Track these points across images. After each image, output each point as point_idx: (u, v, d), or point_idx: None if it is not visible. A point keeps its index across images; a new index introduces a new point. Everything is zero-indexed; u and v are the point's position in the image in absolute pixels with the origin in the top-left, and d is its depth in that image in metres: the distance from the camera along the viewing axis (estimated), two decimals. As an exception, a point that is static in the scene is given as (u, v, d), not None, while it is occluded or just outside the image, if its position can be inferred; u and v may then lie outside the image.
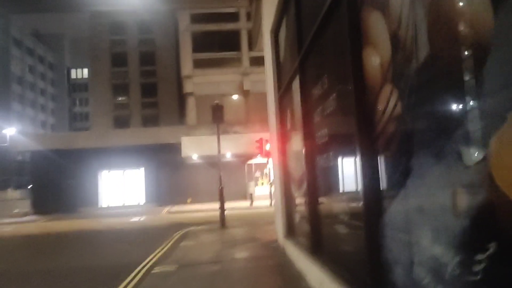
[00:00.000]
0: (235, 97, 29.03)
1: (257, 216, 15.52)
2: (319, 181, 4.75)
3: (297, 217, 6.20)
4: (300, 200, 5.94)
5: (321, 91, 4.24)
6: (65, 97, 79.57)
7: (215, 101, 11.92)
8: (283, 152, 7.09)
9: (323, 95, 4.17)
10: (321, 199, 4.71)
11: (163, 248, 9.14)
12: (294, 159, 6.20)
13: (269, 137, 8.04)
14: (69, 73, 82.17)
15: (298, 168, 5.96)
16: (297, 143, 5.87)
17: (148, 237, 11.51)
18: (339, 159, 3.94)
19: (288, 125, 6.59)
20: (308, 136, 4.89)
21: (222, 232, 10.58)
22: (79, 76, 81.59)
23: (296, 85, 5.63)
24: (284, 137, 7.00)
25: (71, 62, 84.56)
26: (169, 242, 10.14)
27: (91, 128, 40.68)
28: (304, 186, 5.50)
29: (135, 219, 19.23)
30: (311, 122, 4.74)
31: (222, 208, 11.40)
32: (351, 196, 3.57)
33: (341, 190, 4.00)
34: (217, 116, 11.55)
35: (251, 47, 28.20)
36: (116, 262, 7.79)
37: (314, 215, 4.84)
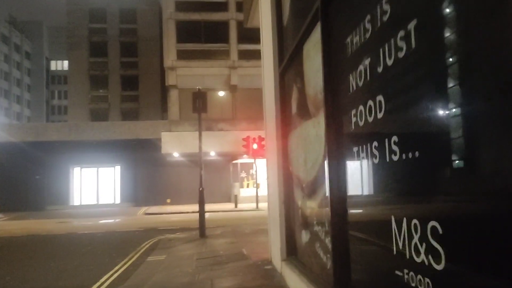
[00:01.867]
0: (221, 93, 27.24)
1: (243, 221, 13.77)
2: (350, 186, 3.04)
3: (304, 236, 4.48)
4: (310, 212, 4.23)
5: (368, 43, 2.55)
6: (42, 88, 76.10)
7: (197, 87, 10.12)
8: (284, 146, 5.36)
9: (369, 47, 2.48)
10: (354, 212, 3.02)
11: (124, 264, 7.30)
12: (302, 156, 4.48)
13: (265, 127, 6.33)
14: (48, 64, 78.72)
15: (307, 168, 4.25)
16: (309, 133, 4.16)
17: (113, 245, 9.62)
18: (393, 153, 2.26)
19: (294, 109, 4.87)
20: (335, 119, 3.19)
21: (201, 243, 8.79)
22: (59, 67, 78.20)
23: (311, 44, 3.91)
24: (286, 127, 5.28)
25: (50, 53, 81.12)
26: (135, 254, 8.29)
27: (68, 121, 38.20)
28: (321, 193, 3.78)
29: (106, 220, 17.22)
30: (343, 95, 3.04)
31: (202, 214, 9.61)
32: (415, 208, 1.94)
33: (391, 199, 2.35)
34: (199, 105, 9.76)
35: (240, 36, 26.47)
36: None
37: (340, 236, 3.14)
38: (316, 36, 3.70)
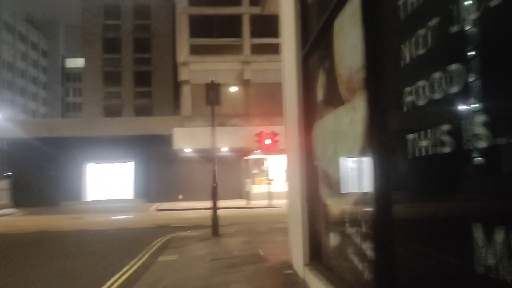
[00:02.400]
0: (234, 88, 26.73)
1: (256, 219, 13.25)
2: (401, 182, 2.47)
3: (333, 238, 3.92)
4: (341, 212, 3.66)
5: None
6: (58, 86, 76.72)
7: (210, 79, 9.60)
8: (308, 139, 4.79)
9: None
10: (406, 215, 2.45)
11: (134, 265, 6.83)
12: (331, 149, 3.91)
13: (285, 119, 5.76)
14: (63, 62, 79.31)
15: (338, 162, 3.68)
16: (341, 122, 3.59)
17: (123, 244, 9.20)
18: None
19: (321, 96, 4.29)
20: (379, 102, 2.61)
21: (215, 242, 8.29)
22: (74, 65, 78.71)
23: (346, 17, 3.33)
24: (310, 117, 4.70)
25: (66, 50, 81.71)
26: (146, 253, 7.83)
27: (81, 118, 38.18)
28: (355, 190, 3.22)
29: (119, 216, 16.89)
30: (392, 71, 2.47)
31: (215, 212, 9.09)
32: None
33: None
34: (212, 97, 9.23)
35: (253, 30, 25.86)
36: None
37: (385, 241, 2.57)
38: (352, 5, 3.11)
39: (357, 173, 3.22)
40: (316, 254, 4.57)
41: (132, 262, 7.04)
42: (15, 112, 61.70)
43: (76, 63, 76.63)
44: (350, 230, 3.35)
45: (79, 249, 8.64)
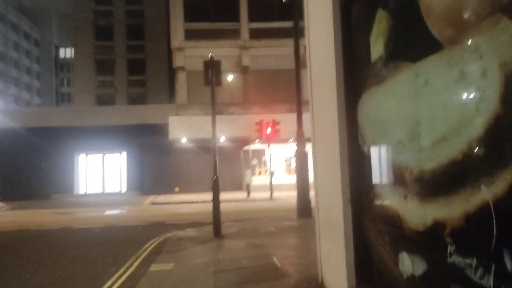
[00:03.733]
0: (231, 76, 25.23)
1: (260, 214, 11.94)
2: None
3: (407, 261, 2.55)
4: (431, 223, 2.29)
5: None
6: (51, 76, 74.47)
7: (210, 55, 8.16)
8: (352, 116, 3.38)
9: None
10: None
11: (121, 276, 5.48)
12: (406, 127, 2.53)
13: (310, 93, 4.35)
14: (57, 52, 76.93)
15: (425, 146, 2.31)
16: (432, 83, 2.21)
17: (110, 246, 7.83)
18: None
19: (378, 52, 2.88)
20: None
21: (217, 246, 6.94)
22: (68, 55, 76.33)
23: None
24: (357, 84, 3.30)
25: (59, 40, 79.21)
26: (136, 260, 6.47)
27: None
28: (469, 189, 1.84)
29: (110, 212, 15.53)
30: None
31: (216, 209, 7.74)
32: None
33: None
34: (212, 76, 7.82)
35: (251, 14, 24.27)
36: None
37: None
38: None
39: (476, 162, 1.85)
40: (367, 277, 3.22)
41: (119, 273, 5.69)
42: (8, 102, 59.58)
43: (70, 52, 74.28)
44: (458, 259, 2.00)
45: (58, 255, 7.25)
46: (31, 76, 71.59)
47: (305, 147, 10.17)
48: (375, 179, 3.03)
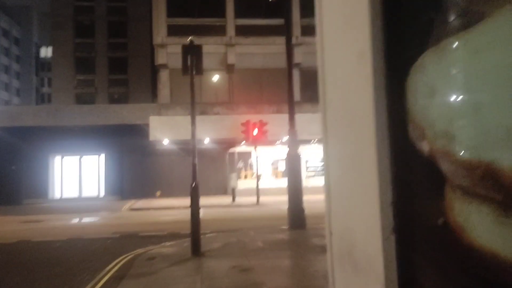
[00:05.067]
0: (217, 75, 23.95)
1: (246, 222, 10.66)
2: None
3: None
4: None
5: None
6: (32, 75, 71.65)
7: (189, 38, 6.86)
8: (399, 95, 2.09)
9: None
10: None
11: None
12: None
13: (320, 63, 3.14)
14: (37, 51, 74.12)
15: None
16: None
17: (64, 269, 6.42)
18: None
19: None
20: None
21: (195, 269, 5.64)
22: (49, 54, 73.58)
23: None
24: (406, 45, 2.03)
25: (40, 39, 76.40)
26: (91, 290, 5.10)
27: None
28: None
29: (81, 220, 14.01)
30: None
31: (195, 224, 6.42)
32: None
33: None
34: (191, 63, 6.53)
35: (237, 10, 23.04)
36: None
37: None
38: None
39: None
40: None
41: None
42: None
43: (51, 51, 71.65)
44: None
45: (-4, 281, 5.81)
46: (10, 76, 68.69)
47: (297, 148, 8.96)
48: (449, 194, 1.78)
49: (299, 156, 8.86)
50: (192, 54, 6.56)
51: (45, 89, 72.70)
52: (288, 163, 8.88)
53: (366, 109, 2.12)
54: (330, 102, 2.90)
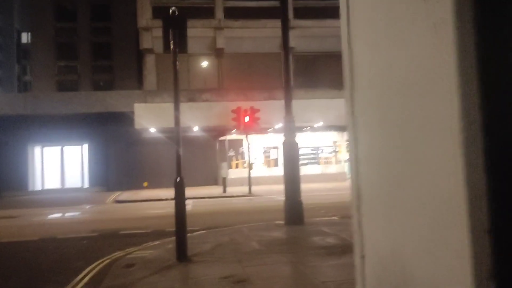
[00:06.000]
0: (205, 60, 22.78)
1: (238, 217, 9.79)
2: None
3: None
4: None
5: None
6: (13, 64, 68.92)
7: (172, 8, 5.82)
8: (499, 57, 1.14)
9: None
10: None
11: None
12: None
13: (345, 16, 2.19)
14: (19, 37, 71.18)
15: None
16: None
17: (27, 278, 5.45)
18: None
19: None
20: None
21: (180, 280, 4.75)
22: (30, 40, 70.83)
23: None
24: None
25: (21, 25, 73.31)
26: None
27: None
28: None
29: (59, 214, 13.00)
30: None
31: (180, 225, 5.50)
32: None
33: None
34: (173, 38, 5.52)
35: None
36: None
37: None
38: None
39: None
40: None
41: None
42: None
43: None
44: None
45: None
46: (-9, 63, 65.95)
47: (294, 136, 8.05)
48: None
49: (297, 144, 7.96)
50: (175, 28, 5.53)
51: (28, 77, 70.13)
52: (285, 152, 7.97)
53: (444, 97, 1.15)
54: (362, 88, 1.94)
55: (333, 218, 8.81)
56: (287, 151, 7.92)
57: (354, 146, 2.07)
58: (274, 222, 8.22)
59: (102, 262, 6.04)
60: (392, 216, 1.77)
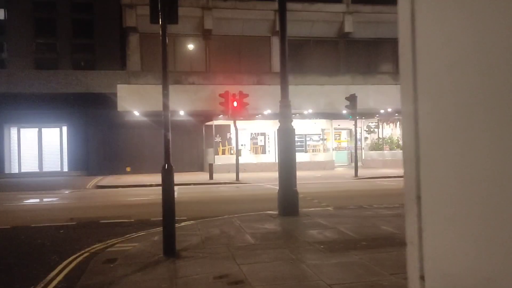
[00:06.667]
0: (192, 42, 21.84)
1: (227, 206, 9.29)
2: None
3: None
4: None
5: None
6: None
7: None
8: None
9: None
10: None
11: None
12: None
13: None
14: (-6, 13, 67.55)
15: None
16: None
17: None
18: None
19: None
20: None
21: (167, 280, 4.21)
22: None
23: None
24: None
25: (-3, -1, 69.54)
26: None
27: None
28: None
29: (35, 200, 12.22)
30: None
31: (169, 218, 4.95)
32: None
33: None
34: (161, 8, 4.85)
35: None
36: None
37: None
38: None
39: None
40: None
41: None
42: None
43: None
44: None
45: None
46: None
47: (291, 121, 7.53)
48: None
49: (293, 130, 7.45)
50: (164, -7, 4.85)
51: (4, 55, 66.95)
52: (280, 138, 7.45)
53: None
54: (427, 76, 1.31)
55: (328, 208, 8.40)
56: (283, 138, 7.40)
57: (413, 140, 1.53)
58: (267, 213, 7.76)
59: (80, 255, 5.46)
60: (484, 230, 1.25)
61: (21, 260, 5.42)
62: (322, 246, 5.13)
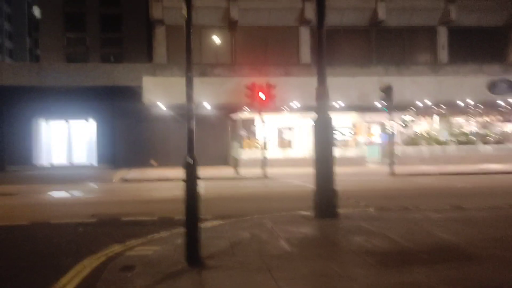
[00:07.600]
0: (217, 31, 21.15)
1: (256, 204, 8.55)
2: None
3: None
4: None
5: None
6: (25, 36, 67.59)
7: None
8: None
9: None
10: None
11: None
12: None
13: None
14: (30, 9, 69.53)
15: None
16: None
17: (4, 279, 4.28)
18: None
19: None
20: None
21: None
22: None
23: None
24: None
25: (32, -3, 71.48)
26: None
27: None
28: None
29: (60, 193, 11.94)
30: None
31: (192, 222, 4.24)
32: None
33: None
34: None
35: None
36: None
37: None
38: None
39: None
40: None
41: None
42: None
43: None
44: None
45: None
46: (2, 36, 64.64)
47: (327, 111, 6.64)
48: None
49: (331, 121, 6.57)
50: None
51: (39, 51, 68.90)
52: (317, 131, 6.59)
53: None
54: None
55: (368, 209, 7.49)
56: (320, 130, 6.54)
57: None
58: (300, 213, 6.94)
59: (95, 260, 4.84)
60: None
61: (33, 263, 4.88)
62: (373, 259, 4.27)
